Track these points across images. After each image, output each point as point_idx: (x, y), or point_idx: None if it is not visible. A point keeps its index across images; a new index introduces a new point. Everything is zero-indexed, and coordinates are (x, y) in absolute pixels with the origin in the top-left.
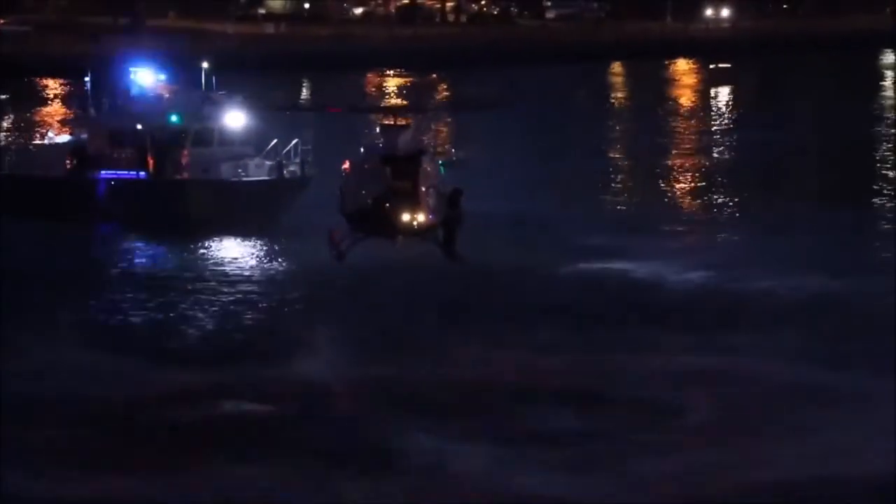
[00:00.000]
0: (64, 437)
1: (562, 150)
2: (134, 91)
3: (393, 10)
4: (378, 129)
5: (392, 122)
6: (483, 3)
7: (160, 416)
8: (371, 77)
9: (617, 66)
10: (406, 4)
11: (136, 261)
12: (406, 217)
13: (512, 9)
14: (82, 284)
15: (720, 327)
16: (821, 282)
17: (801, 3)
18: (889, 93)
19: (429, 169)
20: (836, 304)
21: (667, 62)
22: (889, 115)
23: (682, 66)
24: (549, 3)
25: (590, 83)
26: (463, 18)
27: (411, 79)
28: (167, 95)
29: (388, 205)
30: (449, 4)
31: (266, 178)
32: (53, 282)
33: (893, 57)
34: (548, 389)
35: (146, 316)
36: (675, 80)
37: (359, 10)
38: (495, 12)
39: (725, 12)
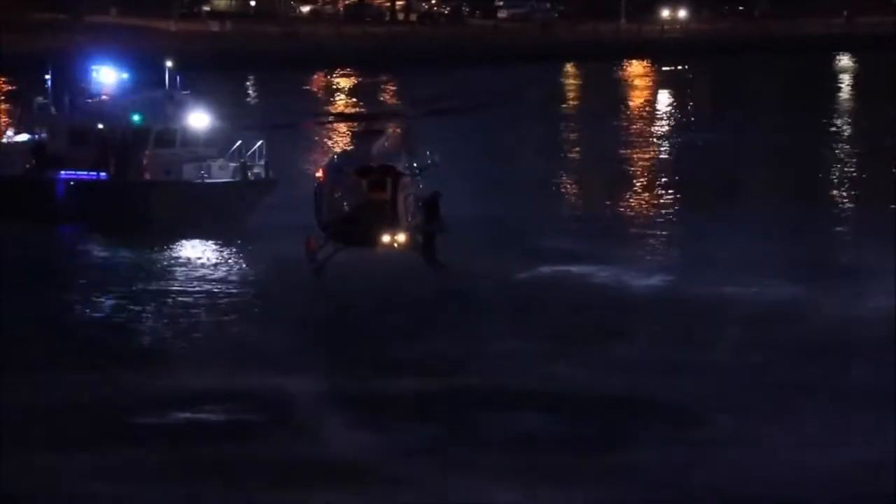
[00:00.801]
0: (27, 446)
1: (516, 153)
2: (95, 89)
3: (341, 9)
4: (351, 136)
5: (365, 129)
6: (434, 2)
7: (123, 424)
8: (319, 78)
9: (570, 68)
10: (354, 3)
11: (96, 264)
12: (386, 238)
13: (463, 8)
14: (40, 287)
15: (682, 333)
16: (782, 288)
17: (756, 5)
18: (844, 95)
19: (405, 178)
20: (795, 314)
21: (620, 64)
22: (843, 118)
23: (636, 69)
24: (500, 3)
25: (542, 85)
26: (413, 17)
27: (360, 79)
28: (129, 94)
29: (366, 219)
30: (399, 3)
31: (230, 179)
32: (9, 284)
33: (848, 60)
34: (511, 395)
35: (105, 321)
36: (629, 83)
37: (306, 9)
38: (446, 11)
39: (683, 13)
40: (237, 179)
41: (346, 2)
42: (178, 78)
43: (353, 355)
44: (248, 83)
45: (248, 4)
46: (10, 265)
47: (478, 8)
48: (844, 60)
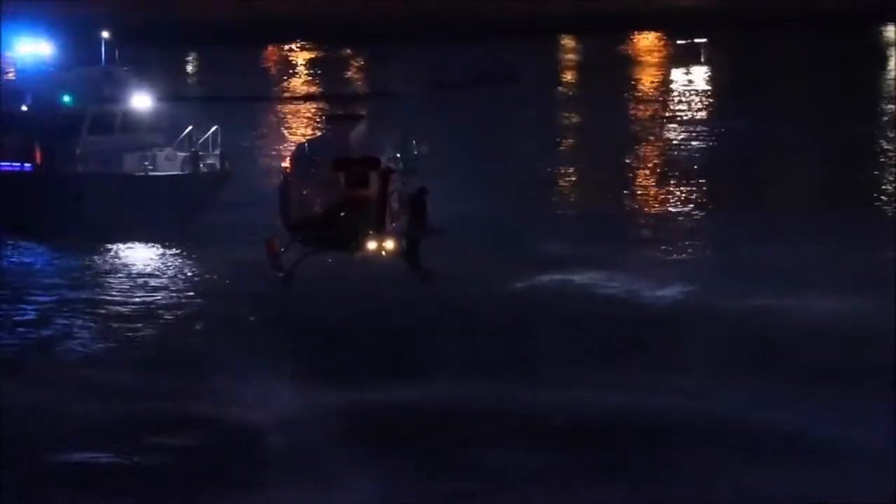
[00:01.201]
0: None
1: (509, 143)
2: (17, 66)
3: None
4: (325, 122)
5: (342, 114)
6: None
7: (77, 454)
8: (273, 51)
9: (568, 41)
10: None
11: (19, 270)
12: (372, 245)
13: None
14: None
15: (706, 355)
16: (818, 300)
17: None
18: (890, 76)
19: (390, 173)
20: (834, 329)
21: (627, 36)
22: (888, 104)
23: (646, 42)
24: None
25: (536, 62)
26: None
27: (323, 54)
28: (58, 71)
29: (345, 221)
30: None
31: (178, 172)
32: None
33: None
34: (501, 422)
35: (30, 336)
36: (638, 59)
37: None
38: None
39: None
40: (187, 171)
41: None
42: (116, 52)
43: (319, 366)
44: (188, 59)
45: None
46: None
47: None
48: (892, 33)
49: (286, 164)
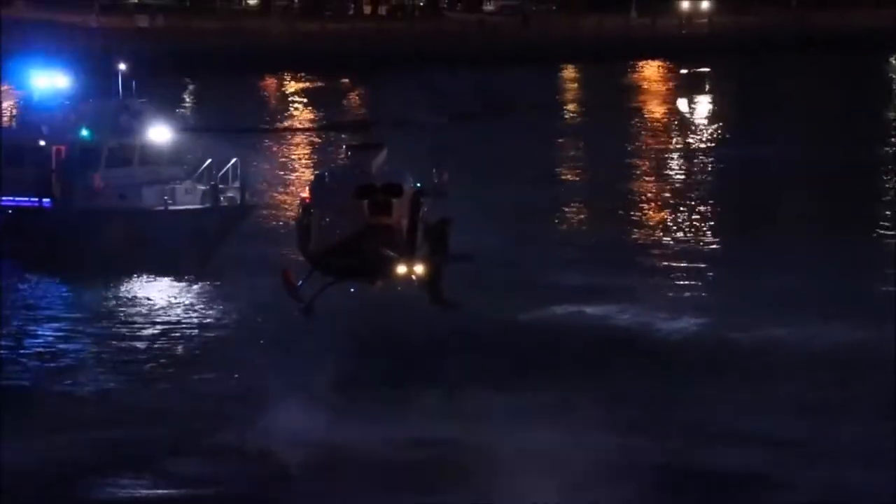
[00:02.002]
0: None
1: (515, 172)
2: (35, 99)
3: (295, 0)
4: (345, 150)
5: (362, 143)
6: None
7: (96, 484)
8: (271, 82)
9: (569, 71)
10: None
11: (37, 306)
12: (402, 270)
13: (442, 0)
14: None
15: (728, 391)
16: (841, 331)
17: None
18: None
19: (421, 196)
20: (858, 359)
21: (632, 64)
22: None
23: (650, 70)
24: None
25: (539, 92)
26: (382, 11)
27: (318, 84)
28: (76, 104)
29: (370, 249)
30: None
31: (198, 206)
32: None
33: None
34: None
35: (53, 370)
36: (643, 87)
37: (254, 0)
38: (421, 4)
39: (706, 4)
40: (207, 205)
41: None
42: (133, 84)
43: (331, 398)
44: (186, 89)
45: None
46: None
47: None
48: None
49: (305, 193)
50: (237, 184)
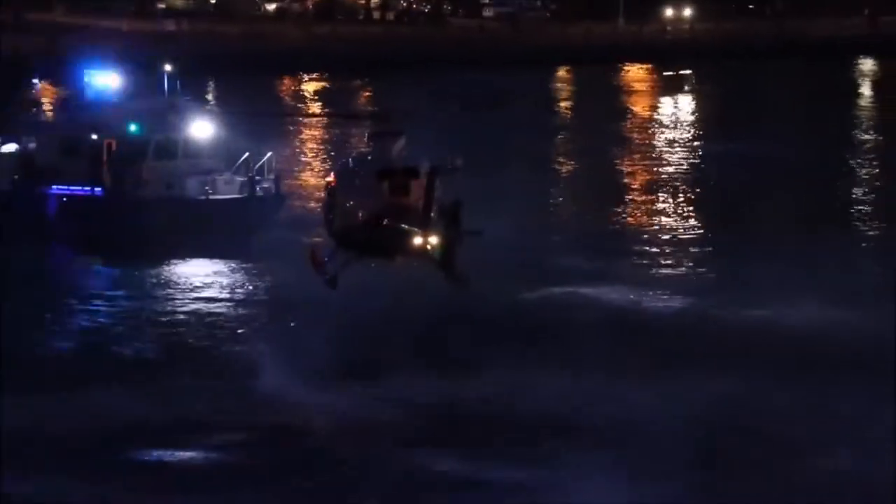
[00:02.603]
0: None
1: (514, 164)
2: (89, 96)
3: (310, 7)
4: (368, 138)
5: (383, 130)
6: None
7: (135, 451)
8: (289, 82)
9: (563, 72)
10: (324, 0)
11: (89, 286)
12: (418, 240)
13: (445, 6)
14: (30, 312)
15: (706, 360)
16: (815, 311)
17: (770, 4)
18: (865, 103)
19: (436, 174)
20: (831, 337)
21: (618, 68)
22: (863, 129)
23: (636, 72)
24: (486, 1)
25: (534, 91)
26: (390, 16)
27: (330, 84)
28: (127, 101)
29: (389, 225)
30: (374, 0)
31: (236, 195)
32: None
33: (871, 64)
34: (515, 422)
35: (101, 347)
36: (630, 88)
37: (272, 6)
38: (426, 10)
39: (688, 12)
40: (245, 195)
41: None
42: (178, 83)
43: (350, 372)
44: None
45: (208, 2)
46: None
47: (461, 6)
48: (867, 64)
49: (331, 178)
50: (272, 175)
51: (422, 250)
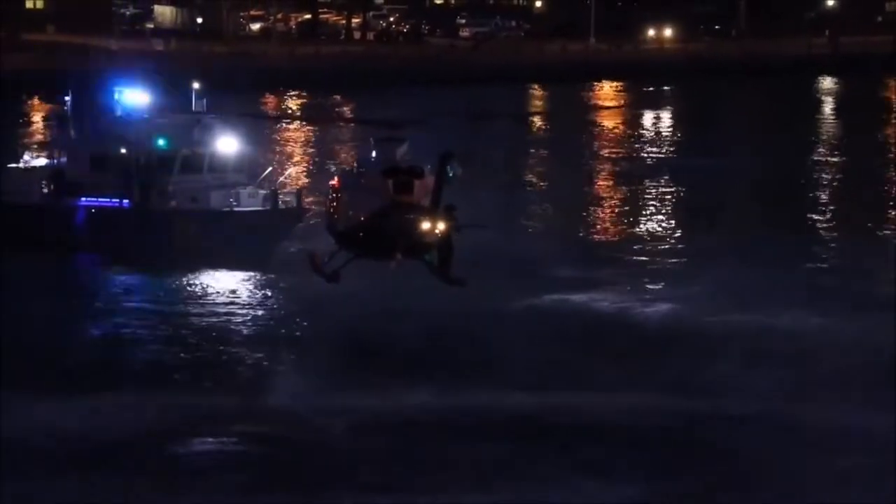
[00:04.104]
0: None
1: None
2: (118, 112)
3: (293, 27)
4: (373, 143)
5: (387, 136)
6: (392, 19)
7: (152, 450)
8: (272, 98)
9: (536, 89)
10: (307, 20)
11: (118, 295)
12: (427, 225)
13: (423, 26)
14: (59, 319)
15: (688, 363)
16: (797, 318)
17: (735, 24)
18: (825, 119)
19: (430, 183)
20: (812, 344)
21: (590, 85)
22: (824, 143)
23: (608, 90)
24: (462, 21)
25: (510, 106)
26: (370, 36)
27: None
28: (154, 117)
29: (392, 220)
30: (355, 21)
31: (259, 208)
32: (28, 316)
33: (831, 82)
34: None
35: (127, 350)
36: (601, 104)
37: (256, 26)
38: (405, 30)
39: (669, 32)
40: (267, 207)
41: (299, 20)
42: (204, 100)
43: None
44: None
45: (195, 21)
46: (25, 294)
47: (438, 26)
48: (827, 82)
49: (334, 181)
50: (294, 189)
51: (430, 236)
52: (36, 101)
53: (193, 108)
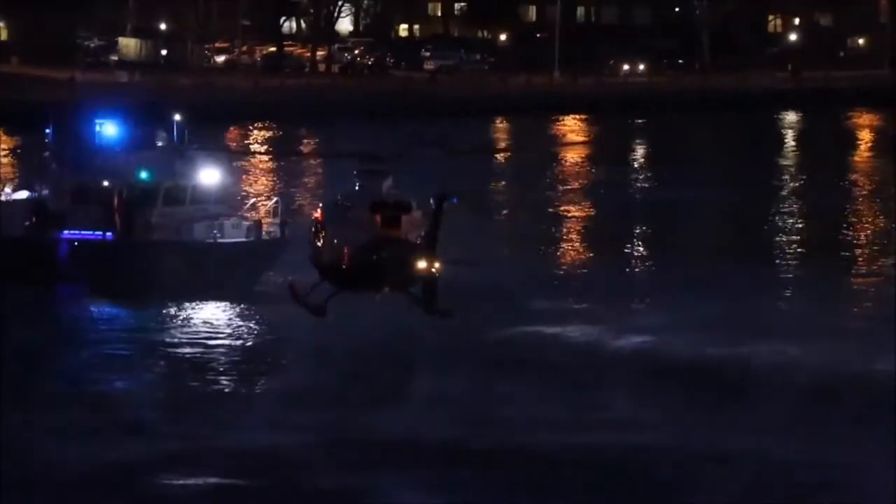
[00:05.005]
0: None
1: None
2: (100, 144)
3: (258, 59)
4: (356, 175)
5: (372, 168)
6: (357, 52)
7: (132, 490)
8: (235, 131)
9: (500, 122)
10: (272, 53)
11: (100, 327)
12: (423, 265)
13: (388, 59)
14: (41, 352)
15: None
16: (770, 348)
17: (698, 58)
18: (787, 151)
19: (418, 218)
20: (782, 373)
21: (555, 118)
22: (787, 175)
23: (571, 123)
24: (427, 54)
25: (475, 138)
26: (335, 68)
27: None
28: (136, 149)
29: (380, 255)
30: (320, 53)
31: (243, 239)
32: (12, 348)
33: (793, 115)
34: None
35: (107, 383)
36: (570, 138)
37: (221, 59)
38: (370, 62)
39: (641, 67)
40: (251, 238)
41: (264, 52)
42: (185, 132)
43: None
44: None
45: (160, 54)
46: (4, 329)
47: (403, 59)
48: (790, 116)
49: (317, 214)
50: (278, 220)
51: (427, 272)
52: None
53: (175, 140)
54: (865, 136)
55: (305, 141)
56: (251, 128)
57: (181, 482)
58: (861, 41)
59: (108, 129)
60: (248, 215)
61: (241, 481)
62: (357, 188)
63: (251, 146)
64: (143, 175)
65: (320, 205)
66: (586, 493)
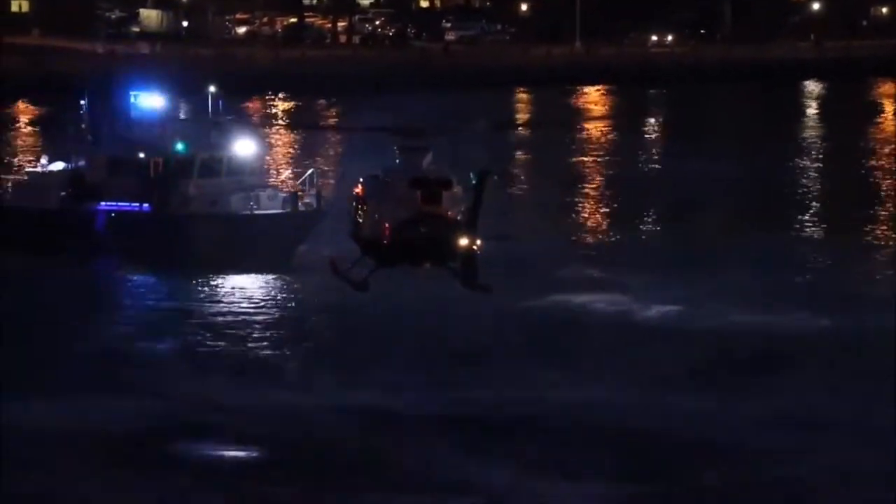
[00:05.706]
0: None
1: (518, 177)
2: (135, 116)
3: (279, 30)
4: (398, 151)
5: (412, 145)
6: (378, 23)
7: (165, 451)
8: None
9: (521, 93)
10: (293, 24)
11: (136, 299)
12: (464, 241)
13: (409, 30)
14: (77, 323)
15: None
16: (797, 318)
17: (720, 28)
18: (810, 122)
19: (459, 194)
20: (810, 342)
21: (576, 89)
22: (809, 146)
23: (593, 94)
24: (448, 25)
25: (496, 110)
26: (356, 40)
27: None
28: (172, 121)
29: (422, 231)
30: (340, 25)
31: (279, 210)
32: (47, 320)
33: (815, 85)
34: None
35: (143, 354)
36: (588, 108)
37: (242, 30)
38: (391, 34)
39: (670, 38)
40: (287, 210)
41: (285, 23)
42: (220, 103)
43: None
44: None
45: (181, 25)
46: (42, 300)
47: (424, 30)
48: (812, 86)
49: (358, 189)
50: (314, 191)
51: (467, 250)
52: (21, 105)
53: (210, 111)
54: (889, 107)
55: (328, 113)
56: (274, 99)
57: (203, 447)
58: (884, 10)
59: (145, 101)
60: (284, 186)
61: (266, 447)
62: (398, 163)
63: (277, 118)
64: (179, 147)
65: (360, 180)
66: (620, 460)
